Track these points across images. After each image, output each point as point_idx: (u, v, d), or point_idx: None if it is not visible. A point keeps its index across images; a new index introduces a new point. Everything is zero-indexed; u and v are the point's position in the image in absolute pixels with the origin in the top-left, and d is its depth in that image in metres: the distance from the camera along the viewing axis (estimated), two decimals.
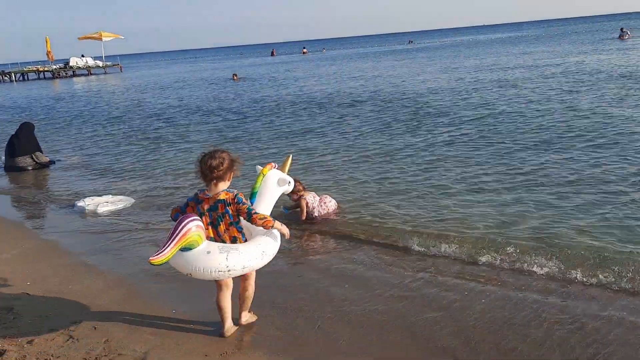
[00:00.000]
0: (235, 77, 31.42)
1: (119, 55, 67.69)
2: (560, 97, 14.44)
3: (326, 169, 8.99)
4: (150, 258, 3.24)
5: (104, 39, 55.30)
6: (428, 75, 24.22)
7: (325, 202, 6.58)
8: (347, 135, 11.73)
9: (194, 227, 3.36)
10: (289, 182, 4.15)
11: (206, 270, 3.41)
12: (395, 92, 18.60)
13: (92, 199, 7.82)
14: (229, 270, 3.46)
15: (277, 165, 4.14)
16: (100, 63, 56.72)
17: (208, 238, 3.56)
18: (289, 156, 4.32)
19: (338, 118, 14.20)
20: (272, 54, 74.36)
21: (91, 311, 4.34)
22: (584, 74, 19.24)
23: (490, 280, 4.57)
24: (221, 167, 3.57)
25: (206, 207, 3.62)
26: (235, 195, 3.61)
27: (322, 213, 6.52)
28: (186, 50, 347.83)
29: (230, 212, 3.60)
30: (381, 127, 12.38)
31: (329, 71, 33.29)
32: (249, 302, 3.96)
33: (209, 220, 3.63)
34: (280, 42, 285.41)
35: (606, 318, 3.85)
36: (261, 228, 3.66)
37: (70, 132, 15.87)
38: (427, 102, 15.65)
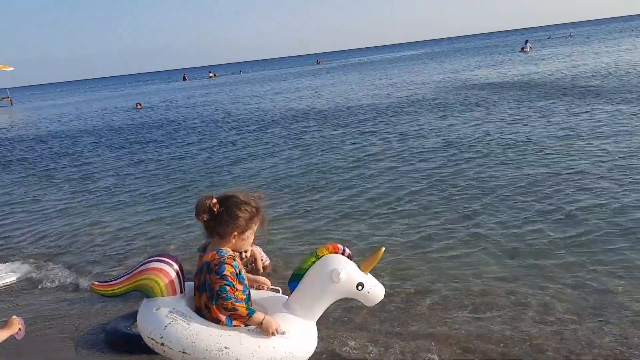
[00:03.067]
0: (139, 106, 29.82)
1: (9, 88, 61.62)
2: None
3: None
4: (94, 282, 2.76)
5: None
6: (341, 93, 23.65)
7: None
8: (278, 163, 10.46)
9: (156, 270, 2.65)
10: (360, 285, 2.72)
11: (141, 329, 2.67)
12: (322, 109, 17.68)
13: None
14: (162, 344, 2.58)
15: (348, 252, 2.81)
16: None
17: (195, 308, 2.70)
18: (380, 249, 2.83)
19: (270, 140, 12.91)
20: (184, 79, 74.30)
21: None
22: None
23: None
24: (205, 219, 2.66)
25: (198, 265, 2.76)
26: (221, 260, 2.58)
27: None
28: (88, 79, 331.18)
29: (209, 281, 2.63)
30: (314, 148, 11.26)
31: (244, 93, 31.97)
32: None
33: (197, 283, 2.74)
34: (191, 68, 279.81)
35: None
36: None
37: None
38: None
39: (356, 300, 2.87)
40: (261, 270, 5.00)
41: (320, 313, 2.80)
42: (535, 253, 4.90)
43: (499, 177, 7.44)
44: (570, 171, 7.29)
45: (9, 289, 5.48)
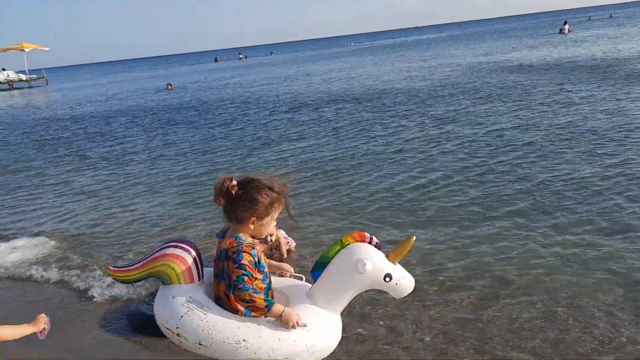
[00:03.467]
0: (169, 87, 30.24)
1: (44, 69, 62.70)
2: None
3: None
4: (110, 267, 2.63)
5: (25, 49, 51.23)
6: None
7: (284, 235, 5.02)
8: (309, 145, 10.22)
9: (172, 256, 2.50)
10: (388, 277, 2.56)
11: (157, 318, 2.54)
12: (351, 92, 17.34)
13: None
14: (178, 335, 2.46)
15: (375, 241, 2.64)
16: (23, 77, 52.54)
17: (214, 296, 2.58)
18: (410, 238, 2.68)
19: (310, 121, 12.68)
20: (216, 60, 76.12)
21: None
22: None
23: None
24: (222, 203, 2.52)
25: (217, 252, 2.63)
26: (239, 248, 2.43)
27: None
28: (120, 60, 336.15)
29: (227, 269, 2.49)
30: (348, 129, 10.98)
31: (280, 74, 31.76)
32: None
33: (216, 271, 2.61)
34: (223, 49, 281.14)
35: None
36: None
37: None
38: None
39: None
40: (285, 255, 4.83)
41: (345, 304, 2.67)
42: (589, 255, 4.48)
43: (545, 167, 7.04)
44: (627, 165, 6.73)
45: (30, 266, 5.46)
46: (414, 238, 2.67)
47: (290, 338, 2.43)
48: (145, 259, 2.61)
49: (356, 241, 2.60)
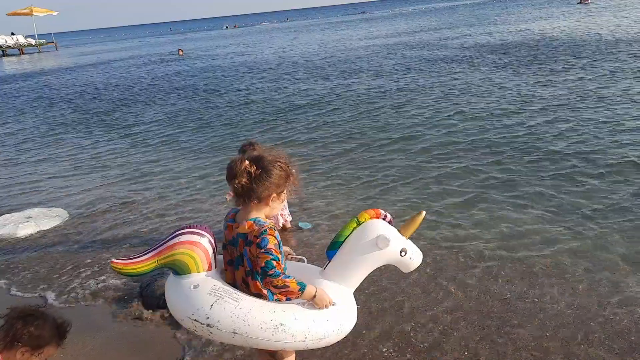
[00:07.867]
0: (180, 52, 30.23)
1: (54, 34, 62.11)
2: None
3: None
4: (114, 259, 2.37)
5: (35, 14, 50.76)
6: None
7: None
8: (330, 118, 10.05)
9: (190, 243, 2.35)
10: (403, 251, 2.54)
11: (178, 311, 2.36)
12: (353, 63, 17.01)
13: (11, 215, 5.92)
14: (208, 325, 2.27)
15: (389, 218, 2.59)
16: (32, 41, 52.16)
17: (229, 284, 2.42)
18: (420, 213, 2.62)
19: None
20: (235, 27, 79.28)
21: None
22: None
23: None
24: (242, 183, 2.31)
25: (228, 237, 2.44)
26: (262, 231, 2.29)
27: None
28: (127, 26, 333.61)
29: (248, 255, 2.34)
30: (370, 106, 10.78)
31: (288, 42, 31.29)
32: None
33: (228, 258, 2.45)
34: (235, 15, 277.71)
35: None
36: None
37: None
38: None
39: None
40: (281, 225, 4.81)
41: (360, 282, 2.61)
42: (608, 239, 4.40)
43: (575, 148, 6.86)
44: None
45: (43, 235, 5.45)
46: (424, 213, 2.62)
47: (323, 318, 2.38)
48: (156, 248, 2.38)
49: (372, 218, 2.55)
